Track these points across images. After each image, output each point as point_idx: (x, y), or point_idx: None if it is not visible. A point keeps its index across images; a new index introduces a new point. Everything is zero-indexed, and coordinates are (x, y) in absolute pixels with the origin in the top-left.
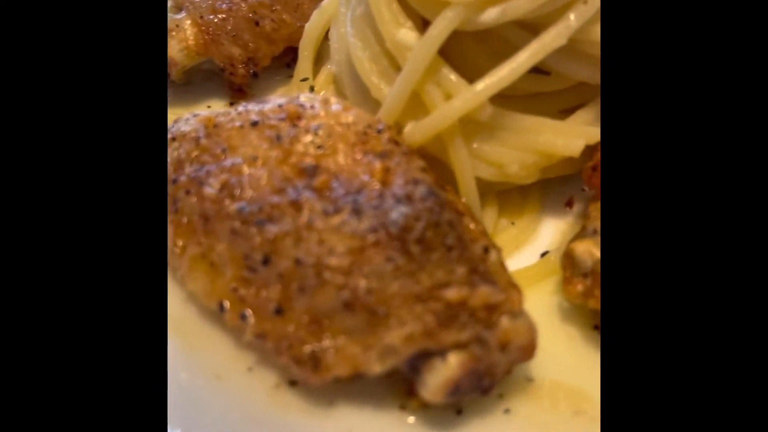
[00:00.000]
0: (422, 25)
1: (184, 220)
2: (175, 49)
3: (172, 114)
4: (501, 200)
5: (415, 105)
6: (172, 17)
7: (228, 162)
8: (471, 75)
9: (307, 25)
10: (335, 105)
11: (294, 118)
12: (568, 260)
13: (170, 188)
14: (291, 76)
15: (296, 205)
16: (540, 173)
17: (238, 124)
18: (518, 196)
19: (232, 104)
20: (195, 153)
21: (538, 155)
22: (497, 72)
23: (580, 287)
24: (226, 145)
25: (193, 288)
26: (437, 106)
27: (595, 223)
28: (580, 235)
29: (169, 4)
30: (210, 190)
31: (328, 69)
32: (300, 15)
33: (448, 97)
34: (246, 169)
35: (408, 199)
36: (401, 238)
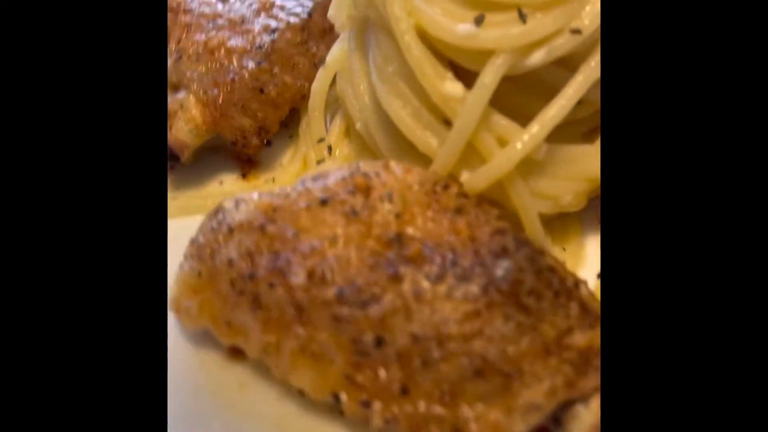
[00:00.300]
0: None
1: (274, 315)
2: (183, 130)
3: (185, 197)
4: (546, 228)
5: (467, 153)
6: (174, 97)
7: (305, 246)
8: (509, 116)
9: (314, 85)
10: (397, 168)
11: (363, 189)
12: None
13: (248, 284)
14: (290, 136)
15: (396, 279)
16: (586, 199)
17: (303, 204)
18: (559, 222)
19: (244, 176)
20: (265, 242)
21: (588, 182)
22: (548, 110)
23: None
24: (295, 229)
25: (299, 383)
26: (494, 153)
27: None
28: None
29: None
30: (297, 279)
31: (337, 126)
32: (297, 74)
33: (502, 141)
34: (329, 251)
35: (504, 251)
36: (514, 293)
